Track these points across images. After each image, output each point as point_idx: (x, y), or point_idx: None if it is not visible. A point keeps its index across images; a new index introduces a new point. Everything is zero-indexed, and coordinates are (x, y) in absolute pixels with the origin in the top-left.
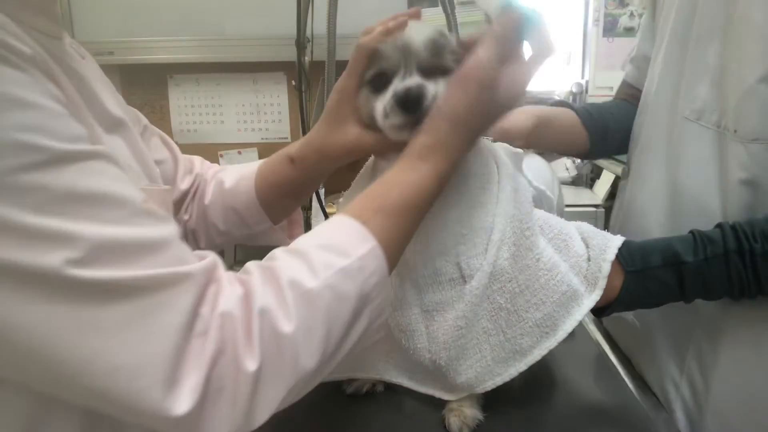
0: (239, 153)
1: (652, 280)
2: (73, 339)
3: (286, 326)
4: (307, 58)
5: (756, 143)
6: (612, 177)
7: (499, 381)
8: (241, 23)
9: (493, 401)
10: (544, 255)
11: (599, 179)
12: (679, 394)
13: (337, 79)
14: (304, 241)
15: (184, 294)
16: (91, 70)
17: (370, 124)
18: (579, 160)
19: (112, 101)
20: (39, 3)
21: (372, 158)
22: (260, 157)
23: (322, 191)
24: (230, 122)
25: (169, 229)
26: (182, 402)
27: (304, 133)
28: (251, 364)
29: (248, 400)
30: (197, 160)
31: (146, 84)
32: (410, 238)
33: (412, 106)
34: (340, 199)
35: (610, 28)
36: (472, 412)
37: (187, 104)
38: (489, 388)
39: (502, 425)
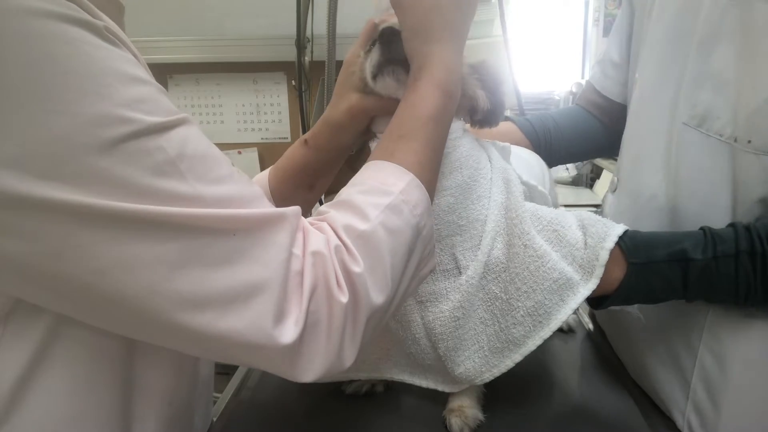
0: (239, 153)
1: (655, 274)
2: (188, 274)
3: (355, 266)
4: (307, 58)
5: None
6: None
7: (496, 372)
8: (241, 23)
9: (494, 401)
10: (533, 242)
11: (599, 179)
12: (686, 418)
13: (337, 79)
14: (345, 191)
15: (282, 232)
16: None
17: (365, 89)
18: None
19: None
20: None
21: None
22: (260, 157)
23: None
24: (230, 122)
25: (255, 185)
26: (288, 332)
27: (305, 132)
28: (343, 298)
29: (340, 334)
30: None
31: None
32: (439, 153)
33: (388, 37)
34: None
35: (610, 28)
36: (473, 413)
37: (187, 104)
38: (487, 380)
39: (502, 425)
